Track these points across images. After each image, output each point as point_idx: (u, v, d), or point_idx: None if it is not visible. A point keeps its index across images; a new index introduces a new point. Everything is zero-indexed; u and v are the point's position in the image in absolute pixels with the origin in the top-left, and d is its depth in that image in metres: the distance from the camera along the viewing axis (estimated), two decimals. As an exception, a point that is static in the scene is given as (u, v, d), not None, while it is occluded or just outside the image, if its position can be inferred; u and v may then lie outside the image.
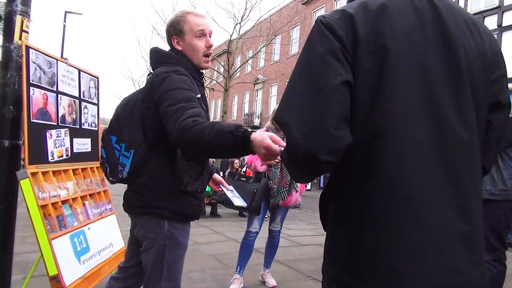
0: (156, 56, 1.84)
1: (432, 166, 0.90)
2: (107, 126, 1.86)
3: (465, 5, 14.32)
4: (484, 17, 13.62)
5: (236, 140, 1.37)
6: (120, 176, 1.77)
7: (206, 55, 1.85)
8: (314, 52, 0.94)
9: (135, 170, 1.73)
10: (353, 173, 0.95)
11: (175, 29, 1.81)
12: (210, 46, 1.84)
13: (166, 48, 1.94)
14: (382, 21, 0.93)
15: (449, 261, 0.88)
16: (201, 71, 1.90)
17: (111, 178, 1.84)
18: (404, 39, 0.93)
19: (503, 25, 13.13)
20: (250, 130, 1.44)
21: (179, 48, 1.82)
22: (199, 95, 1.70)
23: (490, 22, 13.50)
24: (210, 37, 1.85)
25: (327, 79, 0.90)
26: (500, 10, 13.21)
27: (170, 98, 1.59)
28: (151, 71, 1.86)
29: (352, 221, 0.95)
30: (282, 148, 1.24)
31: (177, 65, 1.75)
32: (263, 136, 1.32)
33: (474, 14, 13.96)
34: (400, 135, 0.90)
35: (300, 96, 0.93)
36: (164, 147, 1.70)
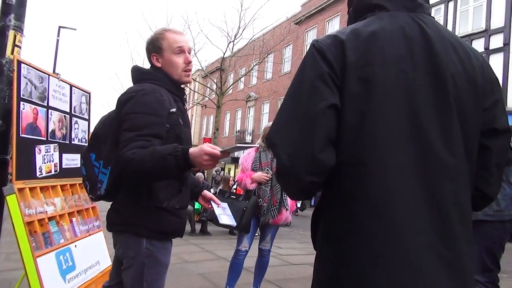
0: (136, 74, 1.87)
1: (415, 191, 0.92)
2: (87, 144, 1.87)
3: (453, 28, 14.69)
4: (471, 40, 13.97)
5: (178, 159, 1.49)
6: (99, 193, 1.77)
7: (185, 71, 1.87)
8: (304, 75, 0.98)
9: (112, 187, 1.73)
10: (340, 194, 0.97)
11: (154, 46, 1.84)
12: (189, 62, 1.87)
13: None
14: (371, 49, 0.96)
15: (431, 285, 0.89)
16: (181, 86, 1.93)
17: (91, 196, 1.84)
18: (392, 67, 0.96)
19: (490, 48, 13.47)
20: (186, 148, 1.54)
21: (158, 64, 1.84)
22: (174, 109, 1.73)
23: (478, 45, 13.84)
24: (189, 53, 1.89)
25: (313, 103, 0.94)
26: (487, 33, 13.58)
27: (128, 121, 1.64)
28: None
29: (337, 242, 0.96)
30: (221, 150, 1.52)
31: (155, 81, 1.78)
32: (201, 146, 1.52)
33: (462, 37, 14.32)
34: (384, 160, 0.92)
35: (288, 118, 0.98)
36: None
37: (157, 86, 1.75)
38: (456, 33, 14.50)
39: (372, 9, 1.07)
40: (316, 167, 0.93)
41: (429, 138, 0.94)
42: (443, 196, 0.93)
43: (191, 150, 1.52)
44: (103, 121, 1.86)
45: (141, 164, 1.51)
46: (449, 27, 14.75)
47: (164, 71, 1.83)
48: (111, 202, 1.86)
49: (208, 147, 1.51)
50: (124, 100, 1.70)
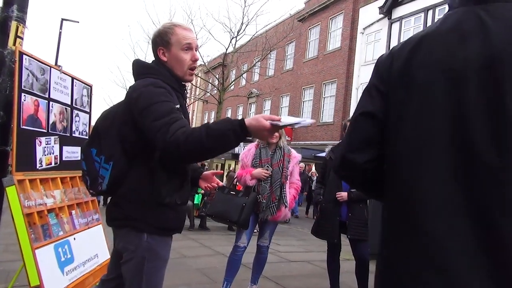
0: (138, 68, 1.84)
1: (453, 195, 0.88)
2: (88, 138, 1.86)
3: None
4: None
5: (236, 133, 1.50)
6: (100, 189, 1.76)
7: (191, 68, 1.86)
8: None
9: (114, 182, 1.73)
10: (383, 194, 1.06)
11: (162, 40, 1.80)
12: (196, 59, 1.85)
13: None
14: (416, 54, 1.00)
15: None
16: (183, 83, 1.91)
17: (91, 191, 1.84)
18: (435, 70, 0.96)
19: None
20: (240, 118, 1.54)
21: (164, 59, 1.81)
22: (178, 106, 1.70)
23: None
24: (196, 50, 1.87)
25: (354, 112, 1.13)
26: (490, 34, 13.52)
27: (152, 113, 1.59)
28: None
29: (383, 250, 1.03)
30: (278, 122, 1.49)
31: (158, 76, 1.76)
32: (258, 118, 1.50)
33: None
34: (418, 163, 0.94)
35: None
36: (143, 159, 1.71)
37: (159, 80, 1.73)
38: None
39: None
40: (344, 165, 1.13)
41: (474, 139, 0.88)
42: (487, 200, 0.86)
43: (248, 122, 1.51)
44: (104, 115, 1.85)
45: (200, 143, 1.48)
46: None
47: (167, 66, 1.81)
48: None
49: (265, 120, 1.49)
50: (136, 96, 1.66)
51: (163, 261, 1.80)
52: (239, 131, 1.49)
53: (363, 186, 1.22)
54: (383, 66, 1.08)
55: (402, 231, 0.95)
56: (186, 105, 1.91)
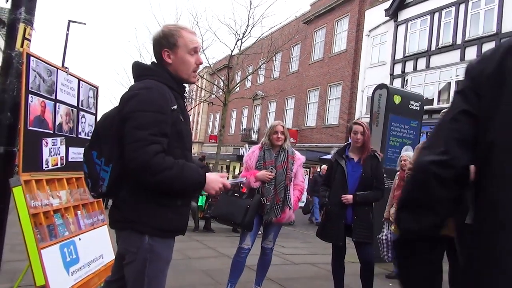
0: (137, 70, 1.85)
1: None
2: (89, 141, 1.88)
3: (464, 31, 14.56)
4: (482, 44, 13.84)
5: (201, 186, 1.75)
6: (101, 191, 1.78)
7: (195, 71, 1.90)
8: None
9: (114, 184, 1.74)
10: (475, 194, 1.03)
11: (168, 42, 1.80)
12: (201, 63, 1.90)
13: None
14: (507, 57, 1.03)
15: None
16: (184, 84, 1.93)
17: (92, 193, 1.85)
18: None
19: (500, 52, 13.31)
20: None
21: (169, 61, 1.81)
22: (175, 106, 1.74)
23: (488, 49, 13.67)
24: (199, 54, 1.91)
25: (446, 115, 1.10)
26: (498, 37, 13.43)
27: (135, 119, 1.63)
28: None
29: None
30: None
31: (157, 77, 1.77)
32: (217, 177, 1.82)
33: (472, 40, 14.20)
34: (503, 164, 0.95)
35: None
36: None
37: (159, 82, 1.75)
38: (466, 37, 14.39)
39: None
40: (437, 165, 1.02)
41: None
42: None
43: (208, 177, 1.77)
44: (104, 118, 1.87)
45: (170, 181, 1.64)
46: (459, 30, 14.64)
47: (170, 68, 1.82)
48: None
49: (224, 180, 1.83)
50: (128, 98, 1.70)
51: (166, 263, 1.80)
52: (203, 184, 1.75)
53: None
54: (474, 71, 1.09)
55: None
56: (185, 105, 1.93)
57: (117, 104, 1.81)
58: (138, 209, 1.70)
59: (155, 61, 1.87)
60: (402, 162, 5.03)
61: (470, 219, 1.07)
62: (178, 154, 1.72)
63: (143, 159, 1.57)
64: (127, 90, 1.78)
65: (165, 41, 1.81)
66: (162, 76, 1.79)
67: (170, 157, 1.65)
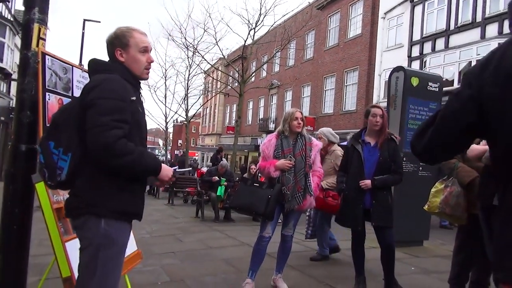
0: (95, 65, 1.95)
1: None
2: (44, 133, 1.95)
3: (483, 8, 14.06)
4: (503, 20, 13.33)
5: (157, 172, 1.86)
6: (59, 179, 1.83)
7: (146, 68, 2.01)
8: None
9: (73, 172, 1.80)
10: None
11: (121, 42, 1.94)
12: (151, 61, 2.03)
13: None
14: (502, 59, 1.13)
15: None
16: (139, 80, 2.04)
17: (49, 183, 1.90)
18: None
19: None
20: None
21: (122, 59, 1.94)
22: (134, 98, 1.86)
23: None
24: (150, 53, 2.03)
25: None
26: (519, 12, 12.90)
27: (97, 106, 1.73)
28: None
29: None
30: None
31: (115, 72, 1.88)
32: (169, 168, 1.93)
33: (492, 17, 13.68)
34: None
35: None
36: None
37: (117, 76, 1.85)
38: (487, 14, 13.87)
39: None
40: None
41: None
42: None
43: (163, 165, 1.89)
44: (62, 110, 1.96)
45: (132, 165, 1.73)
46: (479, 7, 14.13)
47: (124, 65, 1.93)
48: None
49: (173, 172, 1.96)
50: (90, 88, 1.79)
51: (120, 247, 1.85)
52: (159, 170, 1.85)
53: None
54: (471, 75, 1.20)
55: None
56: (141, 97, 2.02)
57: (75, 98, 1.91)
58: (98, 193, 1.77)
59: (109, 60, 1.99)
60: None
61: (497, 200, 1.14)
62: (136, 142, 1.82)
63: (106, 141, 1.66)
64: (89, 81, 1.90)
65: (118, 41, 1.95)
66: (120, 70, 1.91)
67: (131, 143, 1.74)
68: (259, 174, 4.01)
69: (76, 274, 2.52)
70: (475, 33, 14.35)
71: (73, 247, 2.62)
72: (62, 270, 2.48)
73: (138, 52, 1.95)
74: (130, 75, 1.94)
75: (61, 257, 2.50)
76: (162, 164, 1.89)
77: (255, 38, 17.51)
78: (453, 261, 3.26)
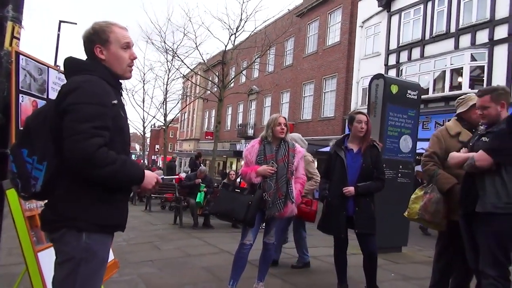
0: (72, 65, 1.79)
1: None
2: (16, 139, 1.79)
3: (457, 19, 14.53)
4: (475, 31, 13.82)
5: (140, 181, 1.73)
6: (34, 191, 1.68)
7: (129, 65, 1.86)
8: None
9: (49, 183, 1.65)
10: None
11: (100, 38, 1.77)
12: (135, 58, 1.88)
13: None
14: None
15: None
16: (120, 80, 1.89)
17: (23, 194, 1.73)
18: None
19: (494, 38, 13.32)
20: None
21: (102, 57, 1.78)
22: (115, 101, 1.71)
23: (482, 36, 13.68)
24: (132, 49, 1.88)
25: None
26: (491, 24, 13.41)
27: (76, 112, 1.58)
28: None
29: None
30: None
31: (94, 72, 1.72)
32: (153, 174, 1.82)
33: (466, 28, 14.16)
34: None
35: None
36: None
37: (97, 77, 1.70)
38: (460, 25, 14.34)
39: None
40: None
41: None
42: None
43: (146, 173, 1.76)
44: (36, 114, 1.78)
45: (114, 175, 1.60)
46: (453, 18, 14.59)
47: (103, 64, 1.78)
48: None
49: (157, 176, 1.85)
50: (67, 91, 1.63)
51: (101, 260, 1.74)
52: (142, 179, 1.73)
53: None
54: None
55: None
56: (122, 100, 1.88)
57: (49, 100, 1.76)
58: (77, 206, 1.64)
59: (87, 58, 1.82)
60: None
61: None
62: (119, 149, 1.68)
63: (87, 152, 1.52)
64: (66, 83, 1.72)
65: (97, 37, 1.78)
66: (100, 71, 1.75)
67: (113, 152, 1.61)
68: (240, 180, 3.96)
69: (48, 286, 2.39)
70: (449, 43, 14.79)
71: (47, 257, 2.49)
72: (34, 282, 2.35)
73: (120, 48, 1.80)
74: (110, 76, 1.78)
75: (33, 269, 2.36)
76: (146, 172, 1.75)
77: (236, 43, 17.50)
78: (433, 268, 3.28)
